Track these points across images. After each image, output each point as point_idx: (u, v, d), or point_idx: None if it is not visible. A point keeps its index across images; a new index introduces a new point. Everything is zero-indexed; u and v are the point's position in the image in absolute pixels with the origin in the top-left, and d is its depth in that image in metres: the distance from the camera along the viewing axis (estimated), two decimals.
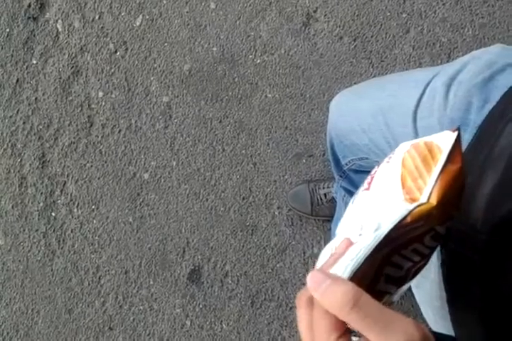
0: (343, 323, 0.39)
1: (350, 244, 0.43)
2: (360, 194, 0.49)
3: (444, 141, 0.44)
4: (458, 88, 0.73)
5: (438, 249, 0.71)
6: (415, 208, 0.41)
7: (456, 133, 0.44)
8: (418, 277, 0.89)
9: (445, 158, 0.43)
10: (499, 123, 0.61)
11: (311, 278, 0.39)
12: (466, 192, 0.60)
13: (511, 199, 0.54)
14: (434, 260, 0.80)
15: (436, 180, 0.42)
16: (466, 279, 0.61)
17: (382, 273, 0.43)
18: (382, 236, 0.40)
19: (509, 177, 0.55)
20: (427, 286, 0.82)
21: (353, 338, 0.40)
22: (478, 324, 0.58)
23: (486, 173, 0.57)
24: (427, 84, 0.80)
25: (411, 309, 1.62)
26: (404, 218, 0.41)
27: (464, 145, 0.68)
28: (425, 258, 0.46)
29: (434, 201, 0.41)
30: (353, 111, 1.01)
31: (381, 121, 0.88)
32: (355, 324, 0.37)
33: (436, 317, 0.79)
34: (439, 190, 0.42)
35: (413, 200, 0.42)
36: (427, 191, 0.42)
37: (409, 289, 0.89)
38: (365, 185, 0.49)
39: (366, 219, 0.45)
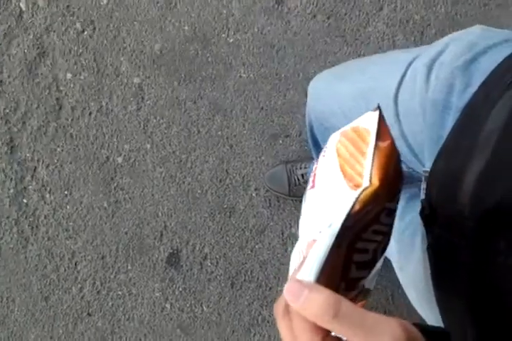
0: (324, 329, 0.38)
1: (312, 244, 0.42)
2: (308, 193, 0.49)
3: (369, 122, 0.45)
4: (439, 70, 0.72)
5: (424, 232, 0.71)
6: (361, 194, 0.41)
7: (377, 112, 0.45)
8: (402, 260, 0.90)
9: (374, 139, 0.43)
10: (483, 108, 0.60)
11: (287, 290, 0.38)
12: (453, 177, 0.59)
13: (498, 186, 0.53)
14: (419, 242, 0.80)
15: (373, 161, 0.42)
16: (453, 264, 0.61)
17: (352, 261, 0.43)
18: (337, 230, 0.40)
19: (495, 163, 0.54)
20: (410, 268, 0.83)
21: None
22: (465, 309, 0.58)
23: (472, 159, 0.57)
24: (408, 66, 0.79)
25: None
26: (353, 206, 0.40)
27: (447, 128, 0.68)
28: (386, 236, 0.47)
29: (376, 182, 0.41)
30: (333, 94, 1.00)
31: (362, 104, 0.87)
32: (339, 332, 0.37)
33: (421, 300, 0.79)
34: (378, 170, 0.42)
35: (357, 186, 0.42)
36: (367, 174, 0.42)
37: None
38: (310, 183, 0.49)
39: (320, 216, 0.44)
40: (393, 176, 0.43)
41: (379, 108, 0.45)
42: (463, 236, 0.57)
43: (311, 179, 0.49)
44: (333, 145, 0.47)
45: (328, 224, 0.41)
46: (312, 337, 0.38)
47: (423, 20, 1.83)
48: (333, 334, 0.39)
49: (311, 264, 0.39)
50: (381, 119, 0.44)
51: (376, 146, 0.43)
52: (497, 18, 1.81)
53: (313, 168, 0.49)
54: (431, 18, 1.83)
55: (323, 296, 0.37)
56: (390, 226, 0.46)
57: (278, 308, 0.42)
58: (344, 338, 0.39)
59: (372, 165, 0.42)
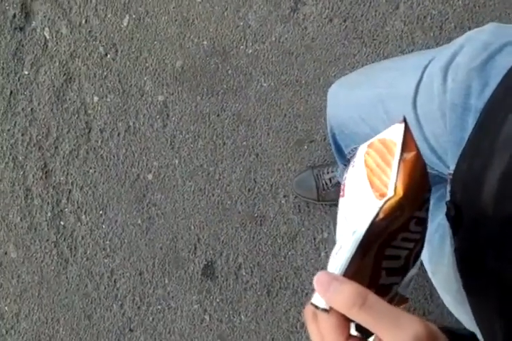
0: (347, 326, 0.41)
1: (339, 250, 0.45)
2: (340, 201, 0.51)
3: (395, 134, 0.46)
4: (456, 72, 0.72)
5: (451, 235, 0.70)
6: (385, 203, 0.43)
7: (403, 124, 0.46)
8: (433, 264, 0.88)
9: (400, 150, 0.44)
10: (502, 107, 0.61)
11: (317, 281, 0.41)
12: (476, 178, 0.59)
13: None
14: (448, 246, 0.79)
15: (398, 172, 0.43)
16: (479, 266, 0.61)
17: (381, 267, 0.45)
18: (361, 237, 0.42)
19: None
20: (443, 272, 0.82)
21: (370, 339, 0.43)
22: (494, 312, 0.58)
23: (494, 159, 0.57)
24: (424, 70, 0.79)
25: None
26: (377, 215, 0.42)
27: (468, 130, 0.68)
28: (419, 243, 0.48)
29: (400, 192, 0.43)
30: (351, 100, 1.01)
31: (381, 109, 0.87)
32: (365, 323, 0.39)
33: (456, 303, 0.79)
34: (402, 181, 0.43)
35: (382, 196, 0.44)
36: (392, 184, 0.43)
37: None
38: (341, 192, 0.51)
39: (349, 224, 0.46)
40: (419, 186, 0.45)
41: (405, 120, 0.46)
42: (488, 238, 0.58)
43: (341, 188, 0.51)
44: (361, 156, 0.48)
45: (352, 230, 0.44)
46: (337, 337, 0.41)
47: (441, 15, 1.81)
48: (353, 332, 0.42)
49: (334, 270, 0.42)
50: (407, 131, 0.45)
51: (401, 157, 0.44)
52: None
53: (343, 178, 0.51)
54: (449, 12, 1.80)
55: (352, 287, 0.39)
56: (422, 234, 0.48)
57: (307, 313, 0.44)
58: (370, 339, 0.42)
59: (397, 176, 0.43)
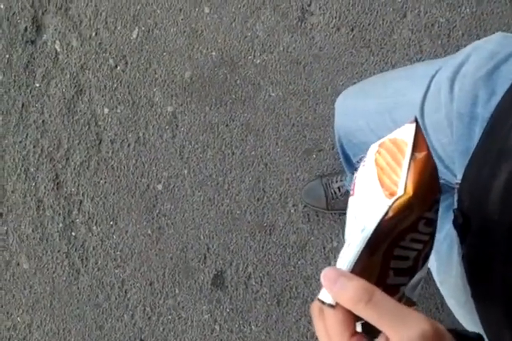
0: (353, 323, 0.41)
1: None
2: (350, 200, 0.51)
3: (406, 134, 0.46)
4: (463, 82, 0.72)
5: (459, 243, 0.70)
6: (394, 202, 0.43)
7: (414, 124, 0.46)
8: (441, 273, 0.88)
9: (410, 149, 0.45)
10: (509, 116, 0.61)
11: (324, 276, 0.41)
12: (483, 185, 0.60)
13: None
14: (456, 255, 0.79)
15: (408, 171, 0.44)
16: (487, 272, 0.61)
17: (389, 267, 0.45)
18: (369, 235, 0.42)
19: None
20: (451, 282, 0.82)
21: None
22: (503, 319, 0.58)
23: (500, 166, 0.57)
24: (431, 79, 0.79)
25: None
26: (386, 213, 0.43)
27: (475, 139, 0.68)
28: (428, 245, 0.48)
29: (410, 191, 0.43)
30: (358, 110, 1.01)
31: (388, 119, 0.88)
32: (371, 318, 0.39)
33: (464, 313, 0.79)
34: (412, 180, 0.43)
35: (392, 195, 0.44)
36: (402, 183, 0.43)
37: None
38: (351, 191, 0.51)
39: (358, 223, 0.46)
40: (429, 186, 0.45)
41: (416, 120, 0.47)
42: (495, 244, 0.58)
43: (351, 187, 0.51)
44: (372, 155, 0.49)
45: (360, 228, 0.44)
46: (342, 332, 0.41)
47: (448, 23, 1.80)
48: (359, 330, 0.42)
49: (341, 266, 0.42)
50: (418, 131, 0.46)
51: (412, 157, 0.44)
52: None
53: (354, 177, 0.51)
54: (456, 20, 1.80)
55: (359, 283, 0.40)
56: (431, 235, 0.48)
57: (314, 308, 0.44)
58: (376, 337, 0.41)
59: (407, 175, 0.43)
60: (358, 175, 0.50)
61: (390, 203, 0.43)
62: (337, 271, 0.41)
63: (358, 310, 0.39)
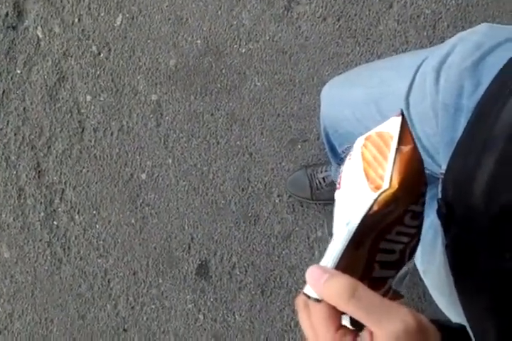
0: (338, 317, 0.42)
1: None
2: (336, 193, 0.51)
3: (392, 127, 0.46)
4: (448, 72, 0.72)
5: (442, 233, 0.71)
6: (379, 195, 0.43)
7: (400, 117, 0.46)
8: (425, 263, 0.89)
9: (396, 143, 0.45)
10: (494, 106, 0.61)
11: (309, 274, 0.42)
12: (467, 174, 0.60)
13: (510, 182, 0.54)
14: (439, 245, 0.79)
15: (393, 165, 0.44)
16: (471, 263, 0.62)
17: (375, 260, 0.46)
18: (354, 229, 0.43)
19: (506, 160, 0.55)
20: (434, 271, 0.82)
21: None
22: (486, 309, 0.59)
23: (484, 156, 0.57)
24: (417, 70, 0.79)
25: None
26: (371, 207, 0.43)
27: (460, 130, 0.68)
28: (414, 238, 0.49)
29: (395, 184, 0.43)
30: (344, 100, 1.01)
31: (374, 109, 0.88)
32: (355, 313, 0.40)
33: (447, 303, 0.80)
34: (398, 173, 0.43)
35: (378, 188, 0.44)
36: (387, 177, 0.43)
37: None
38: (337, 184, 0.51)
39: (343, 216, 0.46)
40: (415, 179, 0.45)
41: (402, 113, 0.47)
42: (480, 234, 0.58)
43: (338, 181, 0.51)
44: (358, 149, 0.49)
45: (345, 221, 0.44)
46: (328, 326, 0.42)
47: (434, 14, 1.81)
48: (345, 323, 0.43)
49: (327, 260, 0.43)
50: (404, 124, 0.46)
51: (398, 150, 0.44)
52: (510, 5, 1.78)
53: (340, 171, 0.51)
54: (442, 11, 1.81)
55: (341, 280, 0.40)
56: (417, 228, 0.49)
57: (299, 303, 0.45)
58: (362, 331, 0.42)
59: (392, 168, 0.43)
60: (344, 168, 0.50)
61: (375, 197, 0.43)
62: (321, 268, 0.42)
63: (341, 306, 0.40)
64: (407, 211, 0.46)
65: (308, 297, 0.43)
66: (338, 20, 1.83)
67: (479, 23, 0.76)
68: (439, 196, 0.71)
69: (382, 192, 0.43)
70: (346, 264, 0.43)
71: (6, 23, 1.95)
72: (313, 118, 1.81)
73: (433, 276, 0.84)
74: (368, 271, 0.46)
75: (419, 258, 0.87)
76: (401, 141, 0.45)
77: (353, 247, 0.43)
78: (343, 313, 0.42)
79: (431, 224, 0.83)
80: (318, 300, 0.42)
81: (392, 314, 0.39)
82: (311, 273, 0.42)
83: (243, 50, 1.86)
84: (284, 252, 1.83)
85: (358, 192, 0.45)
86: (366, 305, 0.39)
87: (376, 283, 0.47)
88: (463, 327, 0.55)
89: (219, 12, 1.87)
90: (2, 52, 1.95)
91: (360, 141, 0.49)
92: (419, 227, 0.49)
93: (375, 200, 0.43)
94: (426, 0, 1.81)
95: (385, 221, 0.44)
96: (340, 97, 1.04)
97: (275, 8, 1.86)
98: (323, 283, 0.40)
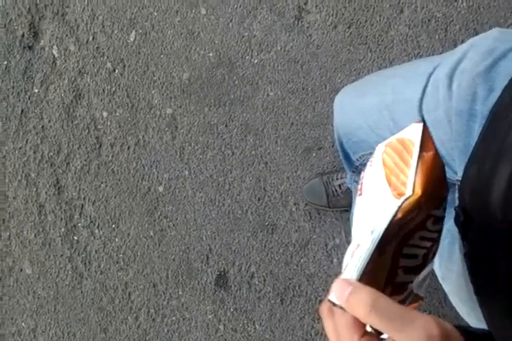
0: (362, 324, 0.42)
1: (356, 248, 0.46)
2: (357, 200, 0.51)
3: (413, 133, 0.47)
4: (461, 78, 0.72)
5: (459, 241, 0.70)
6: (403, 202, 0.43)
7: (421, 123, 0.46)
8: (443, 269, 0.88)
9: (418, 149, 0.45)
10: (508, 111, 0.60)
11: (335, 286, 0.42)
12: (484, 182, 0.60)
13: None
14: (457, 252, 0.78)
15: (416, 171, 0.44)
16: (491, 271, 0.61)
17: (399, 266, 0.46)
18: (379, 237, 0.43)
19: None
20: (453, 278, 0.81)
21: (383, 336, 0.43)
22: (507, 315, 0.58)
23: (501, 163, 0.57)
24: (429, 77, 0.79)
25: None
26: (396, 214, 0.43)
27: (475, 136, 0.67)
28: (436, 242, 0.48)
29: (418, 191, 0.43)
30: (357, 108, 1.01)
31: (387, 116, 0.87)
32: (377, 324, 0.40)
33: (468, 309, 0.79)
34: (421, 180, 0.43)
35: (401, 195, 0.44)
36: (410, 183, 0.43)
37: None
38: (358, 190, 0.51)
39: (366, 223, 0.47)
40: (437, 185, 0.45)
41: (423, 120, 0.47)
42: (498, 242, 0.57)
43: (359, 186, 0.51)
44: (379, 155, 0.49)
45: (370, 229, 0.44)
46: (352, 333, 0.42)
47: (445, 17, 1.80)
48: (369, 330, 0.43)
49: (353, 268, 0.43)
50: (425, 130, 0.46)
51: (420, 156, 0.44)
52: None
53: (361, 177, 0.51)
54: (453, 14, 1.79)
55: (364, 292, 0.41)
56: (439, 232, 0.49)
57: (324, 309, 0.46)
58: (383, 336, 0.42)
59: (415, 175, 0.44)
60: (365, 174, 0.51)
61: (399, 204, 0.43)
62: (345, 282, 0.42)
63: (363, 317, 0.40)
64: (430, 216, 0.46)
65: (334, 304, 0.43)
66: (349, 27, 1.83)
67: (491, 25, 0.76)
68: (456, 203, 0.70)
69: (406, 199, 0.43)
70: (371, 271, 0.43)
71: (22, 43, 1.99)
72: (327, 125, 1.80)
73: (452, 283, 0.83)
74: (392, 277, 0.46)
75: (437, 264, 0.87)
76: (423, 147, 0.45)
77: (377, 254, 0.43)
78: None
79: (448, 230, 0.82)
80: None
81: (413, 322, 0.39)
82: (336, 286, 0.42)
83: (255, 61, 1.87)
84: (302, 260, 1.82)
85: (380, 198, 0.46)
86: (387, 316, 0.39)
87: (399, 288, 0.47)
88: (488, 332, 0.54)
89: (230, 24, 1.89)
90: (19, 72, 2.00)
91: (380, 148, 0.50)
92: (440, 232, 0.49)
93: (399, 207, 0.43)
94: (436, 3, 1.80)
95: (409, 227, 0.44)
96: (352, 106, 1.04)
97: (286, 18, 1.87)
98: (347, 295, 0.41)
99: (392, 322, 0.39)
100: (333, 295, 0.43)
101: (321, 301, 1.80)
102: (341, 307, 0.42)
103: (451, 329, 0.40)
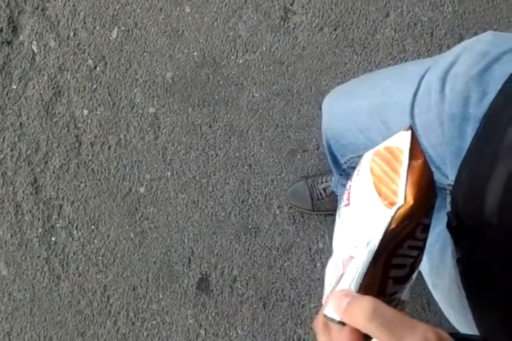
0: (361, 338, 0.42)
1: (349, 260, 0.45)
2: (343, 209, 0.50)
3: (401, 141, 0.46)
4: (454, 82, 0.71)
5: (453, 246, 0.69)
6: (396, 212, 0.43)
7: (409, 131, 0.46)
8: (433, 276, 0.88)
9: (407, 157, 0.45)
10: (502, 116, 0.60)
11: (332, 298, 0.42)
12: (478, 188, 0.59)
13: None
14: (449, 257, 0.78)
15: (407, 180, 0.44)
16: (485, 277, 0.61)
17: (388, 276, 0.45)
18: (375, 248, 0.43)
19: None
20: (444, 284, 0.81)
21: None
22: (501, 324, 0.58)
23: (496, 169, 0.57)
24: (421, 79, 0.78)
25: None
26: (389, 225, 0.42)
27: (467, 139, 0.67)
28: (422, 251, 0.48)
29: (410, 200, 0.43)
30: (347, 111, 1.00)
31: (377, 119, 0.87)
32: (376, 334, 0.39)
33: (458, 316, 0.79)
34: (412, 188, 0.43)
35: (392, 205, 0.43)
36: (401, 193, 0.43)
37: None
38: (345, 200, 0.50)
39: (357, 233, 0.46)
40: (427, 193, 0.45)
41: (411, 127, 0.46)
42: (492, 248, 0.57)
43: (345, 196, 0.50)
44: (366, 164, 0.48)
45: (365, 241, 0.44)
46: None
47: (431, 22, 1.81)
48: None
49: (350, 279, 0.43)
50: (413, 138, 0.46)
51: (409, 165, 0.44)
52: (506, 12, 1.78)
53: (348, 186, 0.50)
54: (439, 19, 1.80)
55: (362, 302, 0.40)
56: (425, 241, 0.48)
57: (318, 324, 0.45)
58: None
59: (406, 184, 0.43)
60: (352, 184, 0.50)
61: (391, 214, 0.43)
62: (343, 291, 0.42)
63: (362, 326, 0.40)
64: (419, 224, 0.45)
65: (332, 320, 0.42)
66: (335, 29, 1.83)
67: (476, 30, 0.76)
68: (449, 209, 0.70)
69: (398, 209, 0.42)
70: (366, 283, 0.43)
71: (0, 38, 1.94)
72: (313, 128, 1.80)
73: (443, 289, 0.82)
74: (383, 288, 0.46)
75: (427, 272, 0.86)
76: (412, 156, 0.45)
77: (372, 265, 0.43)
78: (366, 337, 0.41)
79: (438, 236, 0.81)
80: (342, 323, 0.41)
81: (413, 331, 0.38)
82: (333, 297, 0.42)
83: (240, 61, 1.86)
84: (285, 264, 1.81)
85: (370, 208, 0.45)
86: (388, 323, 0.39)
87: (389, 298, 0.47)
88: (480, 338, 0.54)
89: (215, 23, 1.87)
90: None
91: (368, 156, 0.49)
92: (426, 240, 0.48)
93: (392, 217, 0.42)
94: (423, 8, 1.81)
95: (400, 236, 0.44)
96: (341, 108, 1.03)
97: (271, 19, 1.85)
98: (346, 306, 0.41)
99: (392, 330, 0.38)
100: (328, 310, 0.42)
101: (303, 306, 1.80)
102: (340, 323, 0.41)
103: (449, 338, 0.40)
